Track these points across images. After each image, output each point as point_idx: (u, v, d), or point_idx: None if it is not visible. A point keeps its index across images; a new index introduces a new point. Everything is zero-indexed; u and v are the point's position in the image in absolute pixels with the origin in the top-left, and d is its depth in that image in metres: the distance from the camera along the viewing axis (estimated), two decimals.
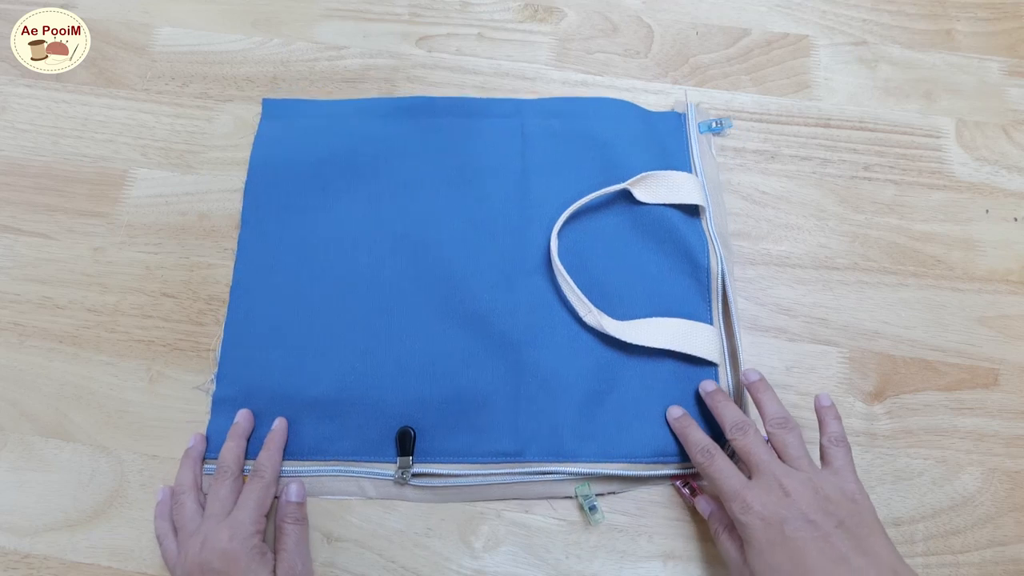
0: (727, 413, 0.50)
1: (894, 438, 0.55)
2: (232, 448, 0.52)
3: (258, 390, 0.55)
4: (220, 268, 0.60)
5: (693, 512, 0.53)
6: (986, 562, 0.52)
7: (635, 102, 0.66)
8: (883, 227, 0.62)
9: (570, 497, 0.53)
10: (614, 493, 0.53)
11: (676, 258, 0.58)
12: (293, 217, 0.60)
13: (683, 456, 0.53)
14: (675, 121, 0.65)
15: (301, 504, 0.51)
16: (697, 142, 0.63)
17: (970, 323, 0.59)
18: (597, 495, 0.53)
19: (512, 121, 0.64)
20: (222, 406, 0.54)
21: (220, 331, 0.57)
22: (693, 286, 0.57)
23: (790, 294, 0.59)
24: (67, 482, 0.53)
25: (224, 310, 0.58)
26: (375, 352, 0.55)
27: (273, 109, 0.65)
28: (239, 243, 0.60)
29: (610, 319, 0.55)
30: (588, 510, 0.52)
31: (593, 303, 0.55)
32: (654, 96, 0.67)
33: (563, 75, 0.68)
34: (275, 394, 0.54)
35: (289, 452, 0.53)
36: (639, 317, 0.56)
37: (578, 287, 0.56)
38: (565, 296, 0.57)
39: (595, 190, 0.59)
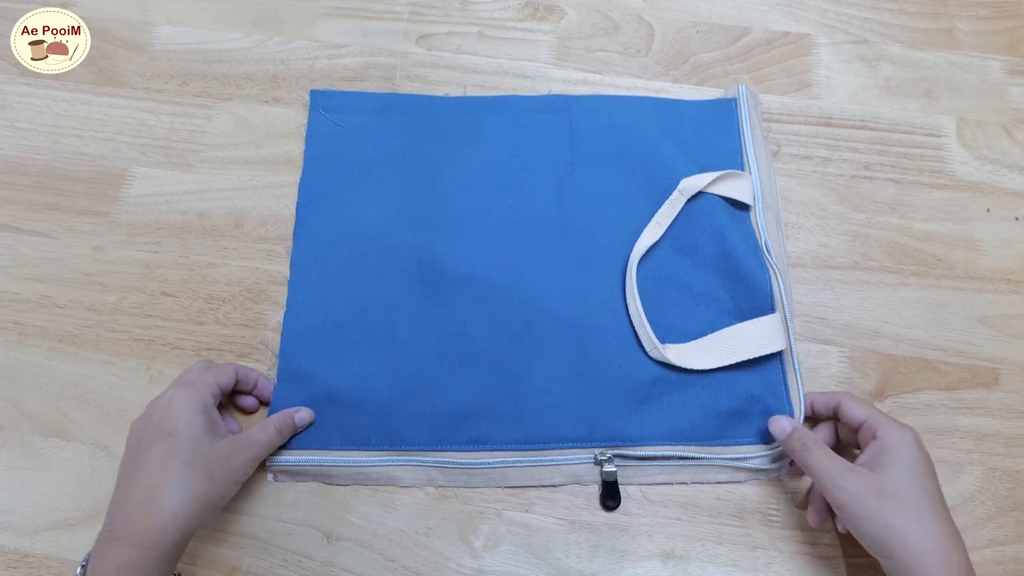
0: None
1: None
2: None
3: (320, 387, 0.54)
4: (220, 267, 0.60)
5: (693, 512, 0.53)
6: (986, 562, 0.52)
7: None
8: (884, 226, 0.62)
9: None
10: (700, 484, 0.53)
11: (727, 257, 0.58)
12: (346, 212, 0.60)
13: (752, 439, 0.53)
14: (726, 107, 0.64)
15: (294, 427, 0.52)
16: (750, 129, 0.63)
17: (971, 322, 0.59)
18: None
19: (560, 117, 0.64)
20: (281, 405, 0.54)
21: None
22: (747, 278, 0.57)
23: None
24: (67, 481, 0.53)
25: (224, 308, 0.58)
26: (439, 344, 0.56)
27: (320, 101, 0.65)
28: (295, 237, 0.60)
29: (674, 348, 0.55)
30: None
31: (647, 315, 0.55)
32: (654, 96, 0.66)
33: (564, 73, 0.68)
34: (335, 390, 0.54)
35: (354, 441, 0.53)
36: (698, 322, 0.56)
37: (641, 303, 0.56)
38: (632, 320, 0.57)
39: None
